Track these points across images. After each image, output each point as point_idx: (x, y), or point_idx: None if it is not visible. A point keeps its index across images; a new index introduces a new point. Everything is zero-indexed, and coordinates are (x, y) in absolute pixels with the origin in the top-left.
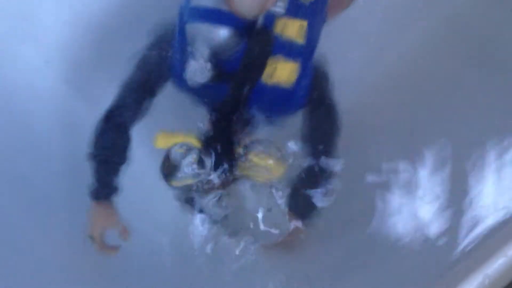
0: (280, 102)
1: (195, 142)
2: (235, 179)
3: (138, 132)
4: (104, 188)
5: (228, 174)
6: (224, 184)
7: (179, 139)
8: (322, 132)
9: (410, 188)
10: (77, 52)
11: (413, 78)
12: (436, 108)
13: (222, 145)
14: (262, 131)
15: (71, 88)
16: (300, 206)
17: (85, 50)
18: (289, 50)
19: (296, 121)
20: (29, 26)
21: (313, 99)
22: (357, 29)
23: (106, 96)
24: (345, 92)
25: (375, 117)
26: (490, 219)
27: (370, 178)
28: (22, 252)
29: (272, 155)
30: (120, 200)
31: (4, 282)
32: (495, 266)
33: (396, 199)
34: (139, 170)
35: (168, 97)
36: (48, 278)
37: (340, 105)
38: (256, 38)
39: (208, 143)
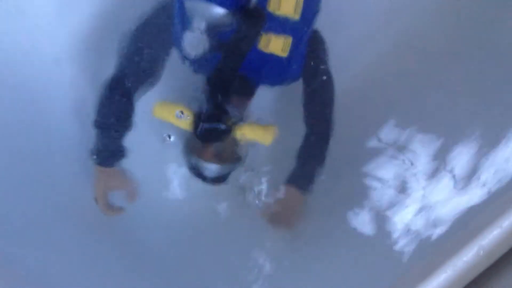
0: (276, 69)
1: (190, 114)
2: None
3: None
4: (109, 153)
5: None
6: None
7: (177, 109)
8: (319, 99)
9: (403, 161)
10: (89, 37)
11: (412, 55)
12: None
13: (217, 112)
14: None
15: (82, 71)
16: (301, 179)
17: (97, 35)
18: (282, 26)
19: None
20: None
21: (309, 68)
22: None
23: None
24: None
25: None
26: (484, 192)
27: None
28: (37, 221)
29: (256, 126)
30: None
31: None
32: (489, 237)
33: (389, 171)
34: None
35: (174, 70)
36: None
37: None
38: (249, 15)
39: (201, 114)
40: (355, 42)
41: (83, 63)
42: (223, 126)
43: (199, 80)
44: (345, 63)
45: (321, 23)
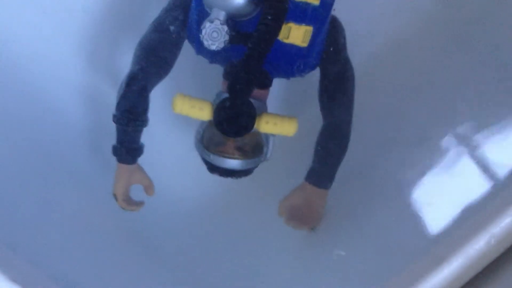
0: (295, 60)
1: (210, 108)
2: None
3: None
4: (127, 149)
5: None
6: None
7: (196, 104)
8: (338, 87)
9: (417, 146)
10: (99, 28)
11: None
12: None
13: (239, 106)
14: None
15: (93, 63)
16: (321, 175)
17: (107, 26)
18: (302, 14)
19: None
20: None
21: (328, 56)
22: None
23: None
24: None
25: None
26: (495, 180)
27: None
28: (49, 213)
29: (279, 117)
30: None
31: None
32: (501, 225)
33: (405, 155)
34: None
35: (188, 62)
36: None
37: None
38: (271, 4)
39: (224, 108)
40: (369, 22)
41: (94, 57)
42: (246, 117)
43: (217, 72)
44: (360, 43)
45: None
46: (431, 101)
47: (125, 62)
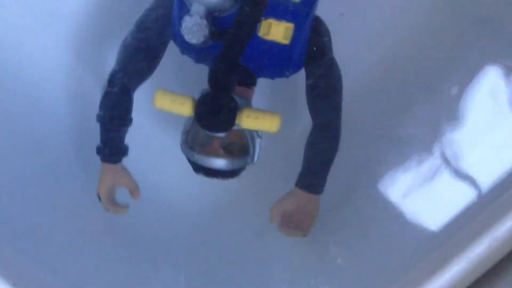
0: (278, 58)
1: (191, 102)
2: None
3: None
4: (111, 148)
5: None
6: None
7: (177, 98)
8: (325, 88)
9: (412, 154)
10: (85, 24)
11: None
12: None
13: (220, 102)
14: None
15: (79, 60)
16: (312, 179)
17: (93, 22)
18: (282, 11)
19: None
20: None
21: (313, 55)
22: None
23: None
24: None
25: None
26: (496, 182)
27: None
28: (35, 212)
29: (261, 111)
30: (129, 162)
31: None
32: (502, 229)
33: (399, 164)
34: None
35: (171, 60)
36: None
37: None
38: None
39: (205, 102)
40: (361, 40)
41: (82, 56)
42: (226, 111)
43: (201, 70)
44: (351, 62)
45: (325, 19)
46: (432, 103)
47: (113, 61)
